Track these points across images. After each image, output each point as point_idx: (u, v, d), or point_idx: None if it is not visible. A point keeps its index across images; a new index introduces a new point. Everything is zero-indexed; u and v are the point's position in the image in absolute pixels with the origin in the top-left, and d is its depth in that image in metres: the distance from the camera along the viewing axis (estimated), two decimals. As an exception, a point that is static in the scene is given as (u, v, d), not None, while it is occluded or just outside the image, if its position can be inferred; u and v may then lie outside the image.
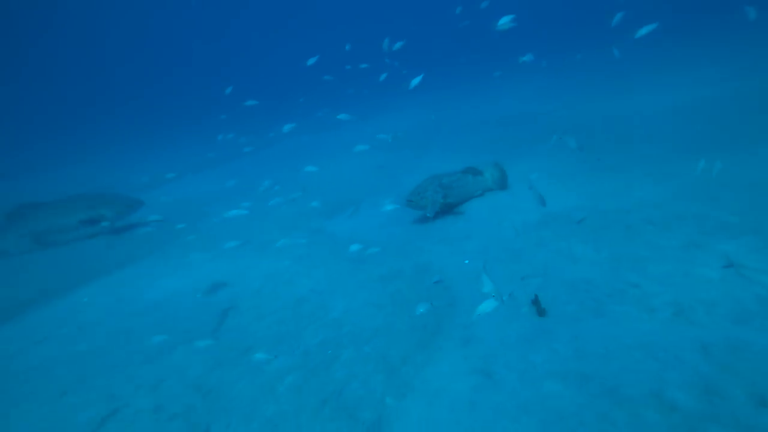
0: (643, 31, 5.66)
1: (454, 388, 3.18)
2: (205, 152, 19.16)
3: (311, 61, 8.34)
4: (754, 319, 3.26)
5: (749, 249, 4.17)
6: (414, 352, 3.67)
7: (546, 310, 4.03)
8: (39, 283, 7.03)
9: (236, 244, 6.73)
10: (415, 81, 6.88)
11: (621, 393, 2.80)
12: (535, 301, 4.13)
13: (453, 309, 4.16)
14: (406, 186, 8.29)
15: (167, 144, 24.65)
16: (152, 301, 5.76)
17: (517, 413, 2.82)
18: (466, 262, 5.12)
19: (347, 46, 10.47)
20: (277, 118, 21.80)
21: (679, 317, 3.51)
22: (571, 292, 4.12)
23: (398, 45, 8.13)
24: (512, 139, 10.88)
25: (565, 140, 6.19)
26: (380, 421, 3.03)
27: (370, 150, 10.80)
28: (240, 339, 4.41)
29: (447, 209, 6.93)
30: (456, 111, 17.08)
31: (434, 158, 10.97)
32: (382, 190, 9.18)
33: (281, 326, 4.58)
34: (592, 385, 2.92)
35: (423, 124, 15.91)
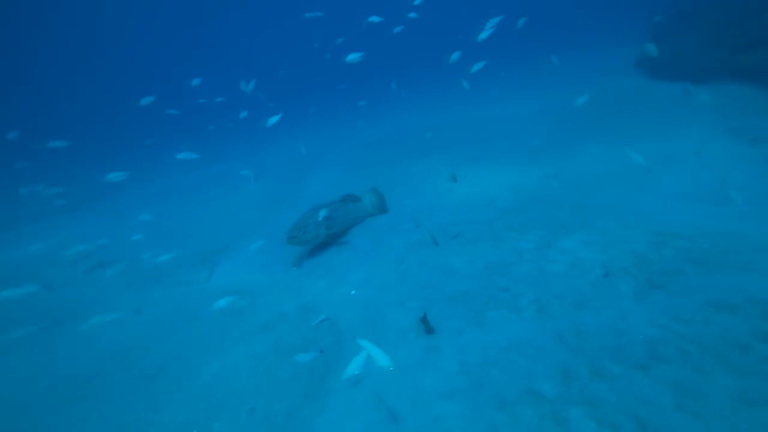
0: (476, 67, 6.95)
1: (346, 434, 3.06)
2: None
3: (146, 101, 7.28)
4: (590, 302, 4.06)
5: (581, 242, 5.23)
6: (301, 403, 3.43)
7: (434, 328, 4.28)
8: None
9: (32, 330, 5.37)
10: (273, 120, 6.82)
11: (501, 397, 3.10)
12: (424, 320, 4.37)
13: (341, 346, 4.08)
14: (285, 222, 8.03)
15: None
16: None
17: (411, 444, 2.85)
18: (353, 292, 5.14)
19: (195, 80, 9.53)
20: (115, 163, 18.89)
21: (540, 313, 4.14)
22: (453, 305, 4.48)
23: (252, 84, 7.89)
24: (386, 163, 11.66)
25: (441, 170, 6.85)
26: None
27: (239, 188, 10.19)
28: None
29: (331, 240, 6.95)
30: (327, 141, 17.48)
31: (312, 190, 11.00)
32: (258, 229, 8.72)
33: (129, 412, 3.78)
34: (477, 396, 3.16)
35: (295, 156, 15.82)
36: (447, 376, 3.46)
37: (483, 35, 6.26)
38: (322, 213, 6.80)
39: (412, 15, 8.93)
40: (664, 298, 3.80)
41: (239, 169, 13.06)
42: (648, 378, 2.86)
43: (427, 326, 4.32)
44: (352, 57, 6.03)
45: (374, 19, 6.91)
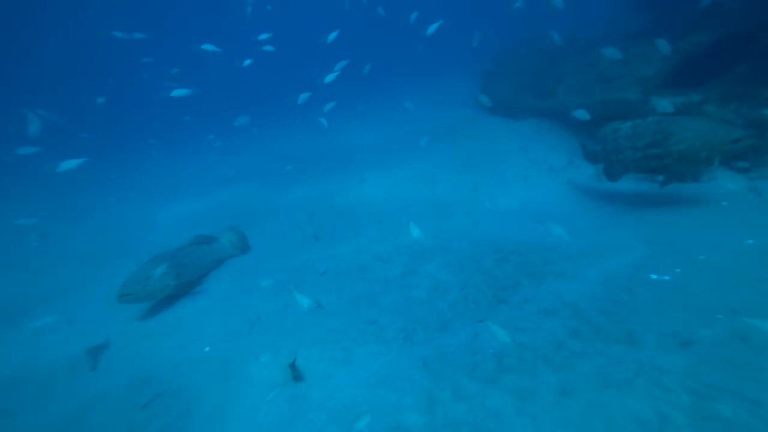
0: (328, 106, 7.41)
1: None
2: None
3: None
4: (450, 323, 4.47)
5: (440, 265, 5.80)
6: None
7: (302, 375, 4.10)
8: None
9: None
10: (69, 164, 5.51)
11: (371, 439, 3.08)
12: (292, 367, 4.15)
13: (188, 420, 3.51)
14: (115, 279, 6.71)
15: None
16: None
17: None
18: (207, 349, 4.57)
19: None
20: None
21: (407, 341, 4.36)
22: (322, 347, 4.38)
23: (36, 127, 6.12)
24: (245, 198, 11.09)
25: (305, 228, 6.67)
26: None
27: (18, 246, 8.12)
28: None
29: (182, 290, 6.12)
30: (175, 178, 15.63)
31: (158, 234, 9.65)
32: (60, 296, 7.09)
33: None
34: (347, 444, 3.08)
35: (125, 197, 13.66)
36: (315, 428, 3.30)
37: (329, 77, 6.69)
38: (172, 259, 5.98)
39: (268, 48, 8.95)
40: (507, 312, 4.44)
41: (15, 219, 9.96)
42: (497, 390, 3.25)
43: (295, 373, 4.11)
44: (179, 92, 5.65)
45: (208, 47, 6.58)
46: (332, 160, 12.54)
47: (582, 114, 6.69)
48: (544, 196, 8.12)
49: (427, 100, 17.75)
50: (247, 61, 9.08)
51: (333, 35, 6.99)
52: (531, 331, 3.98)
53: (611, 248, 5.23)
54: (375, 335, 4.51)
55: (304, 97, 7.09)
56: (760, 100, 5.94)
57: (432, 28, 6.82)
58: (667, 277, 4.18)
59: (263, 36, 8.81)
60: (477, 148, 10.77)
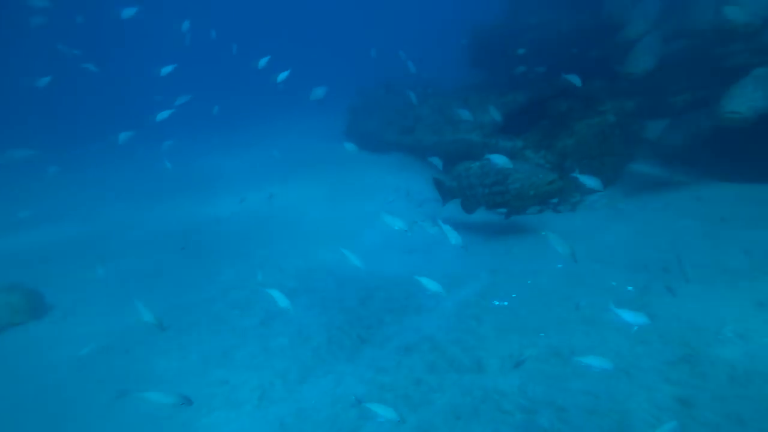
0: (166, 144, 6.90)
1: None
2: None
3: None
4: (312, 372, 4.31)
5: (305, 307, 5.63)
6: None
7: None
8: None
9: None
10: None
11: None
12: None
13: None
14: None
15: None
16: None
17: None
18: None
19: None
20: None
21: (263, 400, 4.03)
22: (153, 427, 3.72)
23: None
24: (52, 244, 9.10)
25: (144, 309, 5.55)
26: None
27: None
28: None
29: None
30: None
31: None
32: None
33: None
34: None
35: None
36: None
37: (163, 114, 6.25)
38: None
39: (89, 66, 7.77)
40: (370, 352, 4.51)
41: None
42: (356, 441, 3.20)
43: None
44: None
45: None
46: (187, 195, 11.37)
47: (437, 161, 7.76)
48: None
49: (293, 133, 17.81)
50: (46, 79, 7.55)
51: (168, 69, 6.51)
52: (392, 370, 4.10)
53: (464, 277, 5.85)
54: (225, 399, 4.06)
55: (125, 136, 6.34)
56: (557, 149, 7.74)
57: (282, 76, 7.02)
58: (506, 303, 4.85)
59: (76, 51, 7.61)
60: (344, 182, 11.12)
